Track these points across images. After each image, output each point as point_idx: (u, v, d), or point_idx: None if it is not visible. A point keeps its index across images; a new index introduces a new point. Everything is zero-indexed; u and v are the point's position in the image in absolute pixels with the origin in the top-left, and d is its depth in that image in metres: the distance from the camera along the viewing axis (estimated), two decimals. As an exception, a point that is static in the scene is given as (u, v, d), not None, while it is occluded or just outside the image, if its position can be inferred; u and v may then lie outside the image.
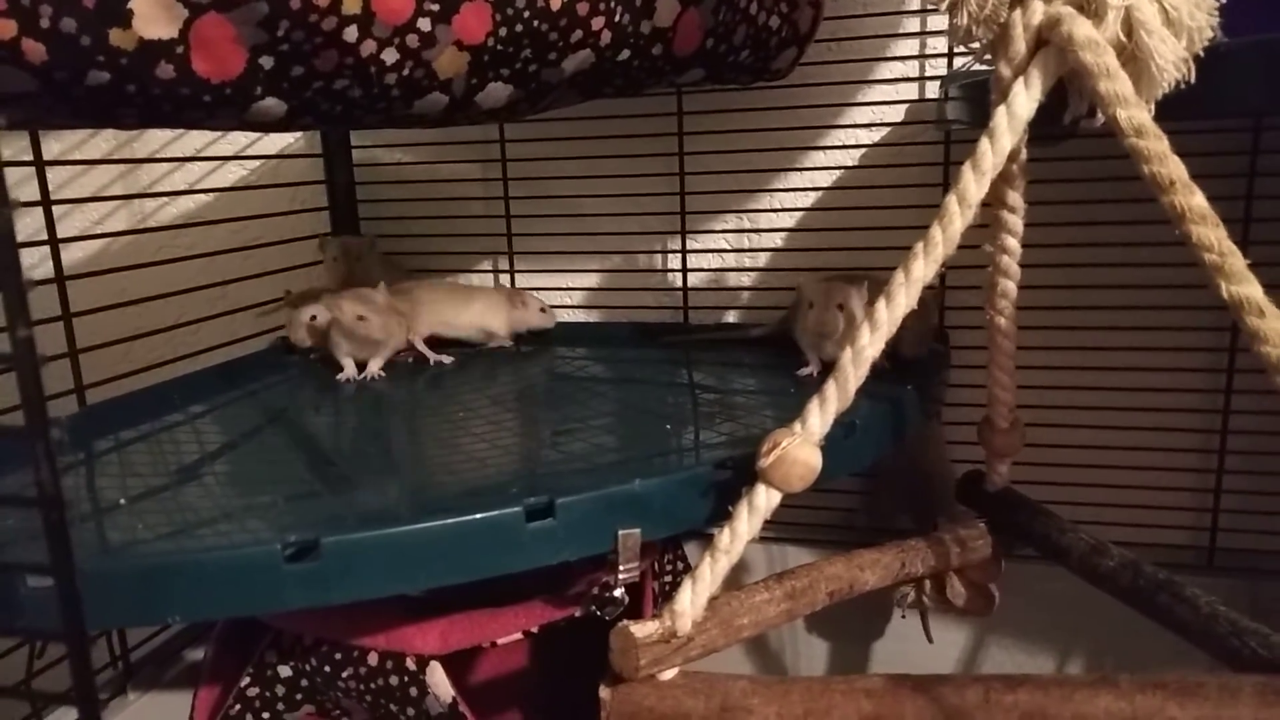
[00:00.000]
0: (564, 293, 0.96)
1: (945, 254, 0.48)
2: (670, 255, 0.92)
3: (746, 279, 0.91)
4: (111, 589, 0.43)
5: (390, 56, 0.49)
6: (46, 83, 0.41)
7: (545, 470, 0.58)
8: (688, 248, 0.91)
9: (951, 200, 0.48)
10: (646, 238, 0.93)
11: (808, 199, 0.87)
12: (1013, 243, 0.55)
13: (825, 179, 0.87)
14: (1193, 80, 0.45)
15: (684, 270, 0.91)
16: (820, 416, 0.48)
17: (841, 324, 0.69)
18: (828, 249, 0.87)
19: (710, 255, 0.91)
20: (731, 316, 0.92)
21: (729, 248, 0.91)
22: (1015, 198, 0.54)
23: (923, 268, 0.48)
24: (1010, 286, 0.57)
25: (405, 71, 0.50)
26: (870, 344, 0.48)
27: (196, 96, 0.45)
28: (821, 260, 0.86)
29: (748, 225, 0.90)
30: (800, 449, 0.47)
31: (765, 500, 0.48)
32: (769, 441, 0.48)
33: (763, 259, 0.90)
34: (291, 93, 0.49)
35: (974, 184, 0.48)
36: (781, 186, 0.88)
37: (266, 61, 0.47)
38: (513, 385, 0.80)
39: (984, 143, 0.48)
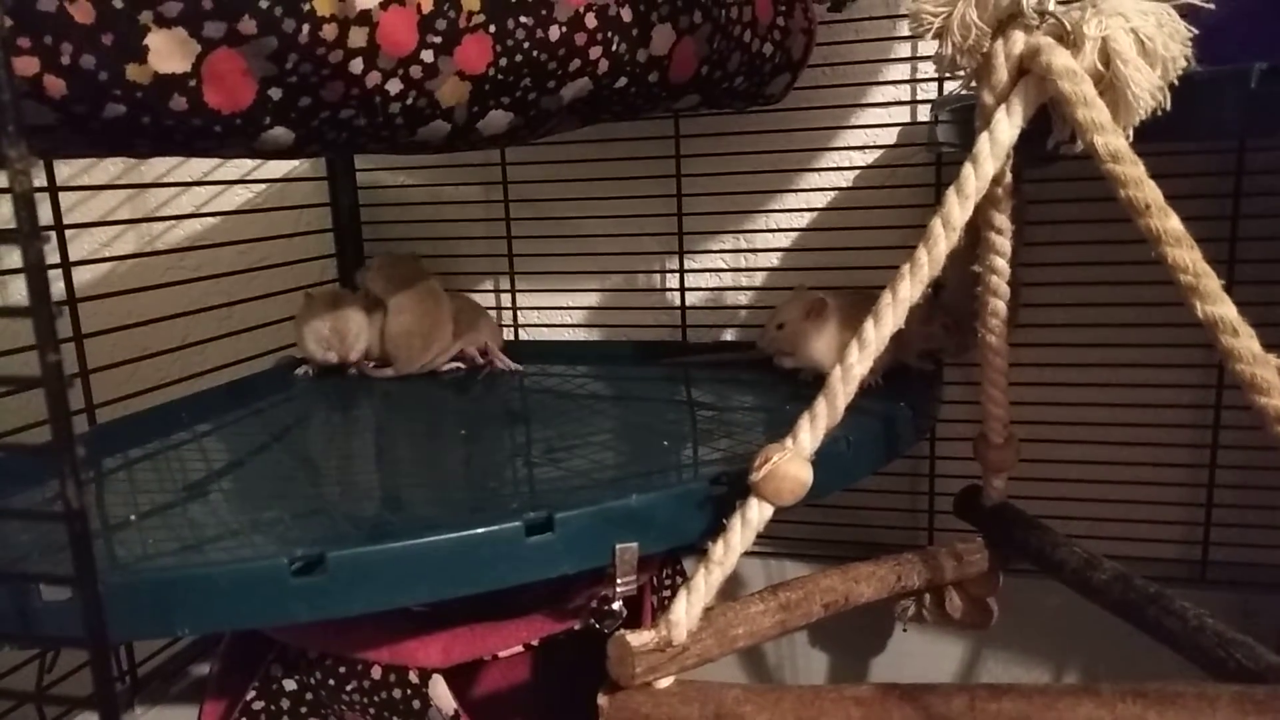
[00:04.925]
0: (564, 312, 0.98)
1: (931, 275, 0.50)
2: (669, 275, 0.94)
3: (744, 298, 0.92)
4: (122, 603, 0.44)
5: (394, 87, 0.51)
6: (66, 116, 0.43)
7: (545, 486, 0.59)
8: (686, 267, 0.93)
9: (936, 223, 0.49)
10: (645, 258, 0.94)
11: (803, 219, 0.89)
12: (1001, 263, 0.57)
13: (820, 200, 0.88)
14: (1168, 107, 0.47)
15: (682, 289, 0.93)
16: (810, 432, 0.49)
17: (779, 342, 0.76)
18: (822, 268, 0.88)
19: (708, 275, 0.93)
20: (729, 335, 0.93)
21: (726, 267, 0.92)
22: (1001, 220, 0.56)
23: (909, 288, 0.49)
24: (1000, 305, 0.58)
25: (409, 101, 0.52)
26: (859, 362, 0.49)
27: (208, 127, 0.47)
28: (816, 279, 0.87)
29: (744, 245, 0.91)
30: (790, 464, 0.49)
31: (757, 513, 0.49)
32: (760, 456, 0.49)
33: (759, 278, 0.92)
34: (299, 122, 0.50)
35: (958, 207, 0.49)
36: (777, 207, 0.90)
37: (275, 93, 0.48)
38: (514, 403, 0.82)
39: (967, 168, 0.49)
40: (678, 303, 0.93)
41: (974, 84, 0.54)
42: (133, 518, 0.55)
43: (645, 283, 0.95)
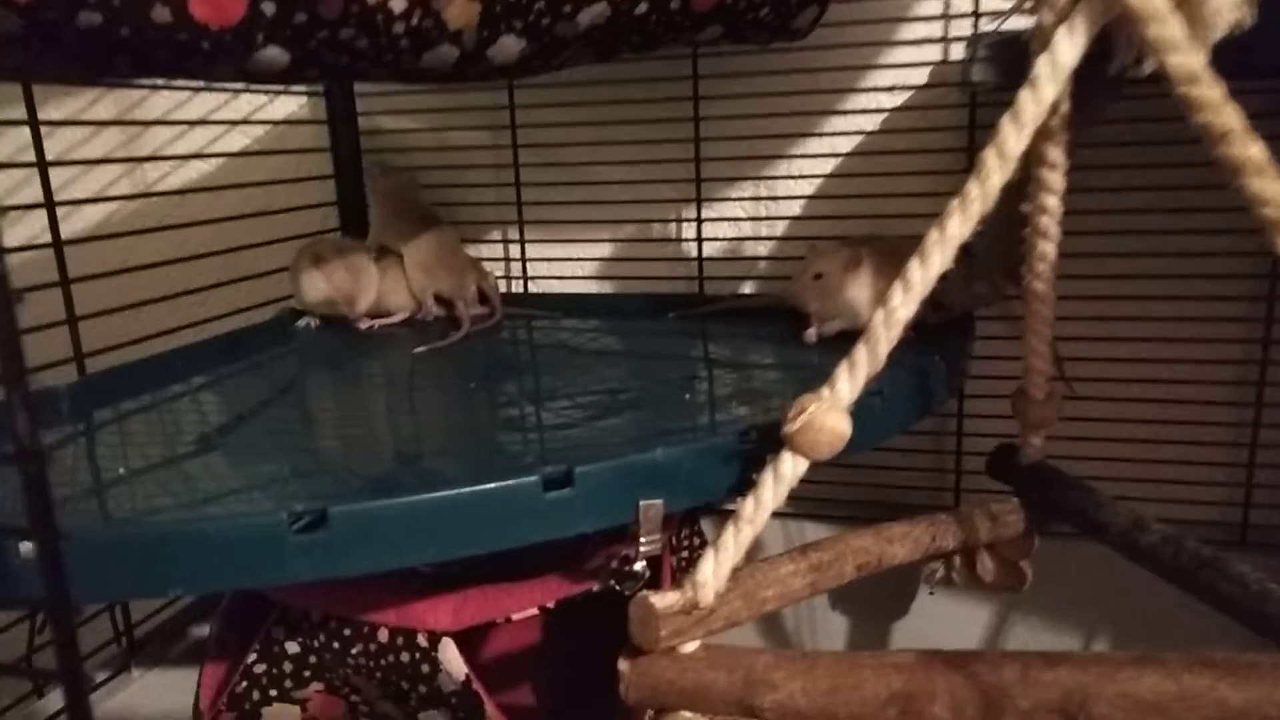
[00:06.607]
0: (576, 263, 0.94)
1: (982, 211, 0.46)
2: (685, 224, 0.90)
3: (764, 249, 0.88)
4: (112, 559, 0.41)
5: (398, 4, 0.47)
6: (35, 24, 0.39)
7: (560, 440, 0.56)
8: (703, 216, 0.89)
9: (990, 154, 0.45)
10: (660, 206, 0.90)
11: (827, 165, 0.85)
12: (1053, 202, 0.53)
13: (845, 145, 0.84)
14: (1251, 24, 0.43)
15: (699, 240, 0.89)
16: (850, 381, 0.46)
17: (812, 296, 0.71)
18: (847, 217, 0.84)
19: (726, 224, 0.89)
20: (748, 288, 0.89)
21: (745, 216, 0.88)
22: (1057, 154, 0.52)
23: (959, 225, 0.46)
24: (1049, 249, 0.55)
25: (414, 21, 0.48)
26: (903, 305, 0.46)
27: (194, 43, 0.43)
28: (841, 229, 0.84)
29: (765, 193, 0.87)
30: (828, 414, 0.45)
31: (791, 468, 0.46)
32: (795, 407, 0.46)
33: (780, 228, 0.88)
34: (295, 42, 0.46)
35: (1013, 137, 0.45)
36: (800, 153, 0.85)
37: (268, 7, 0.44)
38: (525, 356, 0.78)
39: (1025, 93, 0.45)
40: (694, 254, 0.90)
41: (1028, 5, 0.49)
42: (122, 471, 0.51)
43: (660, 232, 0.91)
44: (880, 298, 0.69)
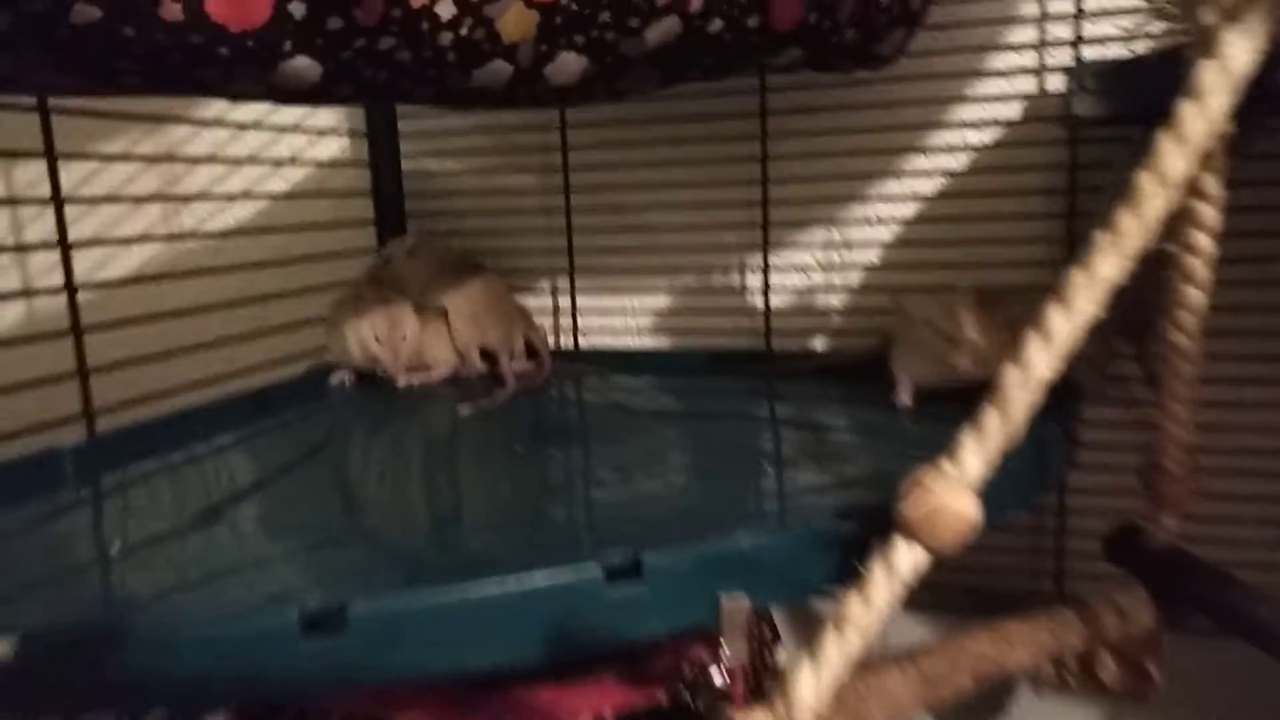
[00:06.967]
0: (631, 316, 0.87)
1: (1138, 247, 0.38)
2: (750, 274, 0.83)
3: (837, 301, 0.81)
4: (73, 664, 0.34)
5: (446, 10, 0.41)
6: (21, 19, 0.33)
7: (620, 517, 0.49)
8: (770, 265, 0.82)
9: (1148, 179, 0.38)
10: (724, 254, 0.84)
11: (908, 209, 0.78)
12: (1205, 241, 0.45)
13: (928, 186, 0.77)
14: None
15: (765, 291, 0.82)
16: (978, 454, 0.38)
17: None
18: (930, 266, 0.77)
19: (796, 274, 0.82)
20: (819, 343, 0.82)
21: (817, 265, 0.81)
22: (1212, 183, 0.44)
23: (1111, 265, 0.38)
24: (1197, 297, 0.46)
25: (463, 31, 0.42)
26: (1042, 361, 0.38)
27: (211, 49, 0.37)
28: (923, 280, 0.77)
29: (839, 239, 0.80)
30: (953, 495, 0.37)
31: (907, 559, 0.38)
32: (911, 483, 0.38)
33: (855, 278, 0.80)
34: (327, 52, 0.40)
35: (1177, 157, 0.37)
36: (878, 194, 0.79)
37: (297, 9, 0.38)
38: (576, 418, 0.71)
39: (1189, 106, 0.38)
40: (760, 306, 0.82)
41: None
42: (115, 550, 0.45)
43: (723, 283, 0.84)
44: (978, 350, 0.61)
